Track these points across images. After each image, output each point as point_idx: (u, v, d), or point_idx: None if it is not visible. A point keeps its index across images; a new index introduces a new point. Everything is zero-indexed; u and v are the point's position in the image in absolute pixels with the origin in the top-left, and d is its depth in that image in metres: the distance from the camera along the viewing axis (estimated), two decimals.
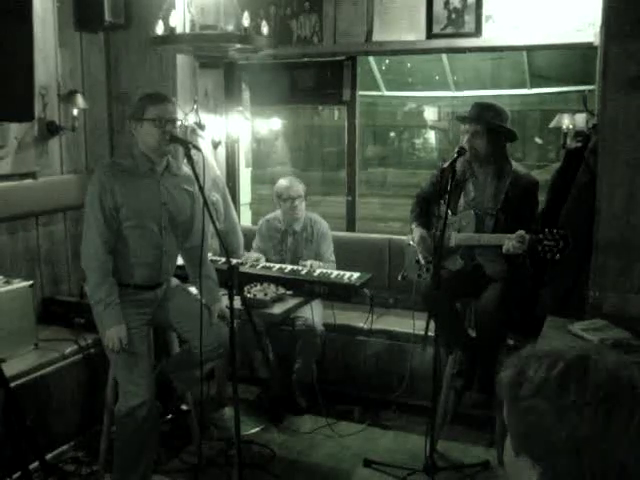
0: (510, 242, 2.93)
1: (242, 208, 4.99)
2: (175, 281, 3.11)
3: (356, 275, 3.51)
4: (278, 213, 4.18)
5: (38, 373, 3.20)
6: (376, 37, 4.12)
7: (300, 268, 3.68)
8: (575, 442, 0.91)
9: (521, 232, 2.91)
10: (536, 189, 3.24)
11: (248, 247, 4.33)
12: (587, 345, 1.12)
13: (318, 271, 3.62)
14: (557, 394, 0.93)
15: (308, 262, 3.82)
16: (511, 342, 3.41)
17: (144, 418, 2.75)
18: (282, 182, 4.10)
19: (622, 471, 0.91)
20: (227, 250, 2.55)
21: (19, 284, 3.30)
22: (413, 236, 3.40)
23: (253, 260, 3.82)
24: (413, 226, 3.43)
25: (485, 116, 3.18)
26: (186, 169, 2.98)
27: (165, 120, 2.74)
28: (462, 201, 3.29)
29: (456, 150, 3.09)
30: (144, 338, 2.91)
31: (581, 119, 3.75)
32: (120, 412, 2.80)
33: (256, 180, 5.30)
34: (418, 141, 8.37)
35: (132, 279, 2.83)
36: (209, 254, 3.73)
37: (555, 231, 2.87)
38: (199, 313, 2.75)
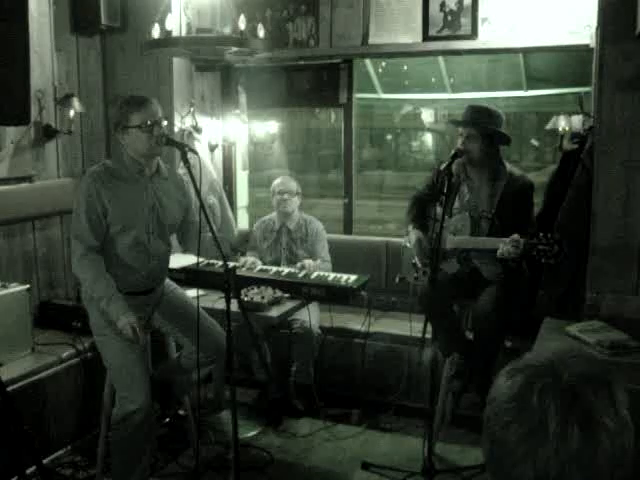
0: (505, 246, 2.92)
1: (239, 211, 5.00)
2: (171, 285, 3.10)
3: (353, 278, 3.51)
4: (273, 215, 4.24)
5: (35, 377, 3.20)
6: (372, 40, 4.13)
7: (297, 271, 3.68)
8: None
9: (515, 236, 2.90)
10: (531, 191, 3.24)
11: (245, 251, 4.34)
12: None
13: (315, 274, 3.62)
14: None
15: (305, 262, 3.83)
16: (509, 344, 3.42)
17: (140, 423, 2.74)
18: (277, 179, 4.26)
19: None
20: (223, 253, 2.54)
21: (16, 288, 3.30)
22: (409, 238, 3.40)
23: (250, 264, 3.82)
24: (409, 228, 3.42)
25: (479, 120, 3.17)
26: (179, 172, 2.96)
27: (151, 123, 2.72)
28: (457, 204, 3.28)
29: (452, 152, 3.09)
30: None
31: (577, 121, 3.75)
32: (117, 417, 2.79)
33: (253, 183, 5.29)
34: (415, 143, 8.33)
35: (121, 286, 2.74)
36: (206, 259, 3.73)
37: (550, 235, 2.86)
38: (195, 317, 2.73)
